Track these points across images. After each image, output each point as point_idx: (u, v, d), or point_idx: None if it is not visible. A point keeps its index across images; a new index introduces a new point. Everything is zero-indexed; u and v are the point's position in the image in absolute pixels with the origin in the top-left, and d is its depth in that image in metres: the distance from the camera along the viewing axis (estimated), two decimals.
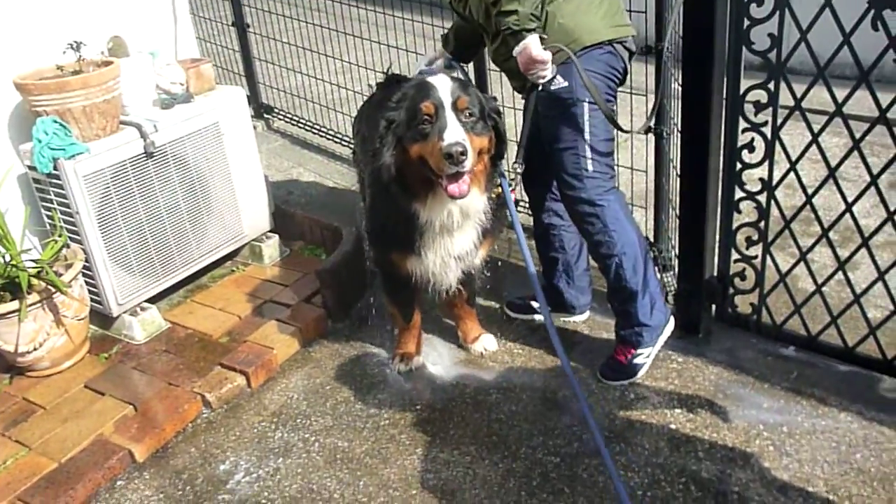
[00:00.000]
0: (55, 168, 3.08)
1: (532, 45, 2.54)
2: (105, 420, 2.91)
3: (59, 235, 3.20)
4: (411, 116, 2.45)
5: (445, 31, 3.27)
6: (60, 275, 3.09)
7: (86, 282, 3.30)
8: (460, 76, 3.04)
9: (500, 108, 2.65)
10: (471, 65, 3.71)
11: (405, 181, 2.53)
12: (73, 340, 3.21)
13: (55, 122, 3.06)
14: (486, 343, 3.22)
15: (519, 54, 2.58)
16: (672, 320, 2.99)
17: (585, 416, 2.36)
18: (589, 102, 2.65)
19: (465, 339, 3.25)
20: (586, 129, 2.69)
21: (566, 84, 2.67)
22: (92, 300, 3.35)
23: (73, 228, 3.22)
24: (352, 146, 5.12)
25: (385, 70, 3.55)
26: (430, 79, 2.51)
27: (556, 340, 2.47)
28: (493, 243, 2.96)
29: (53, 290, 3.06)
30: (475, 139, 2.42)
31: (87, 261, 3.25)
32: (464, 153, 2.30)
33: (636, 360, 2.92)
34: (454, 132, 2.34)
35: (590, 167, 2.73)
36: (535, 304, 3.33)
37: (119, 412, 2.95)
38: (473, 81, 3.80)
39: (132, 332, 3.42)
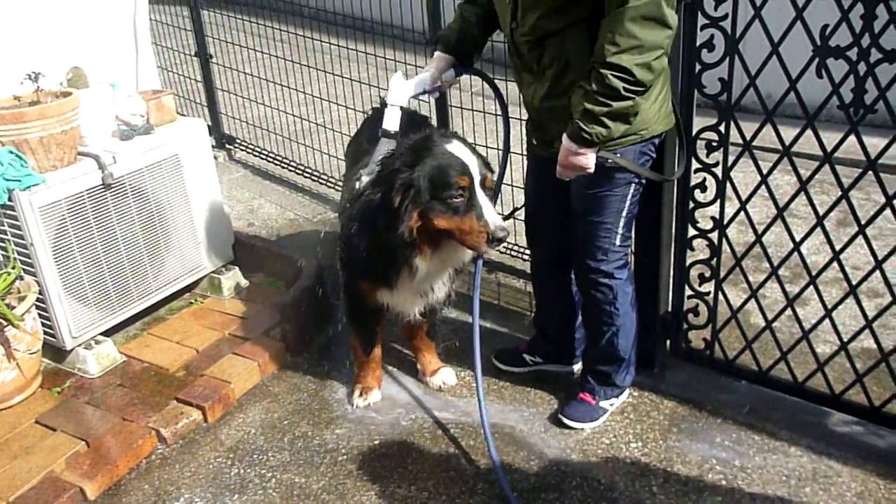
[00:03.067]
0: (10, 199, 3.04)
1: (590, 160, 2.43)
2: (56, 456, 2.85)
3: (13, 267, 3.15)
4: (440, 188, 2.45)
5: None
6: (13, 307, 3.04)
7: (39, 314, 3.24)
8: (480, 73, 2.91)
9: None
10: (432, 100, 3.38)
11: (415, 243, 2.55)
12: (25, 374, 3.15)
13: (11, 152, 3.02)
14: (445, 377, 3.22)
15: (565, 156, 2.45)
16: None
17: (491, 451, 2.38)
18: (635, 182, 2.63)
19: (423, 373, 3.26)
20: (626, 206, 2.67)
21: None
22: (45, 333, 3.29)
23: (28, 260, 3.17)
24: (314, 177, 5.16)
25: (381, 100, 3.45)
26: (450, 147, 2.50)
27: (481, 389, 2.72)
28: (456, 278, 2.98)
29: (5, 323, 3.00)
30: None
31: (40, 293, 3.19)
32: (507, 236, 2.46)
33: (602, 404, 2.95)
34: (494, 215, 2.46)
35: (617, 242, 2.72)
36: (526, 357, 3.26)
37: (71, 448, 2.89)
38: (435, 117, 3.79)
39: (86, 366, 3.36)
